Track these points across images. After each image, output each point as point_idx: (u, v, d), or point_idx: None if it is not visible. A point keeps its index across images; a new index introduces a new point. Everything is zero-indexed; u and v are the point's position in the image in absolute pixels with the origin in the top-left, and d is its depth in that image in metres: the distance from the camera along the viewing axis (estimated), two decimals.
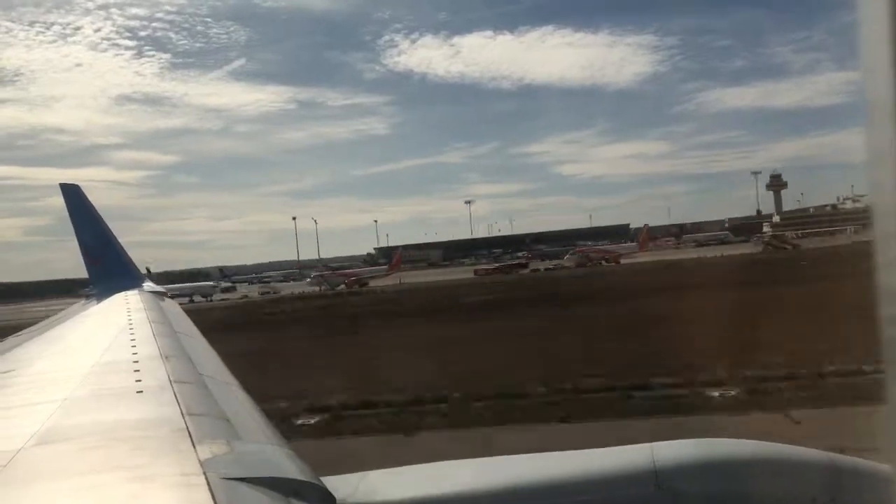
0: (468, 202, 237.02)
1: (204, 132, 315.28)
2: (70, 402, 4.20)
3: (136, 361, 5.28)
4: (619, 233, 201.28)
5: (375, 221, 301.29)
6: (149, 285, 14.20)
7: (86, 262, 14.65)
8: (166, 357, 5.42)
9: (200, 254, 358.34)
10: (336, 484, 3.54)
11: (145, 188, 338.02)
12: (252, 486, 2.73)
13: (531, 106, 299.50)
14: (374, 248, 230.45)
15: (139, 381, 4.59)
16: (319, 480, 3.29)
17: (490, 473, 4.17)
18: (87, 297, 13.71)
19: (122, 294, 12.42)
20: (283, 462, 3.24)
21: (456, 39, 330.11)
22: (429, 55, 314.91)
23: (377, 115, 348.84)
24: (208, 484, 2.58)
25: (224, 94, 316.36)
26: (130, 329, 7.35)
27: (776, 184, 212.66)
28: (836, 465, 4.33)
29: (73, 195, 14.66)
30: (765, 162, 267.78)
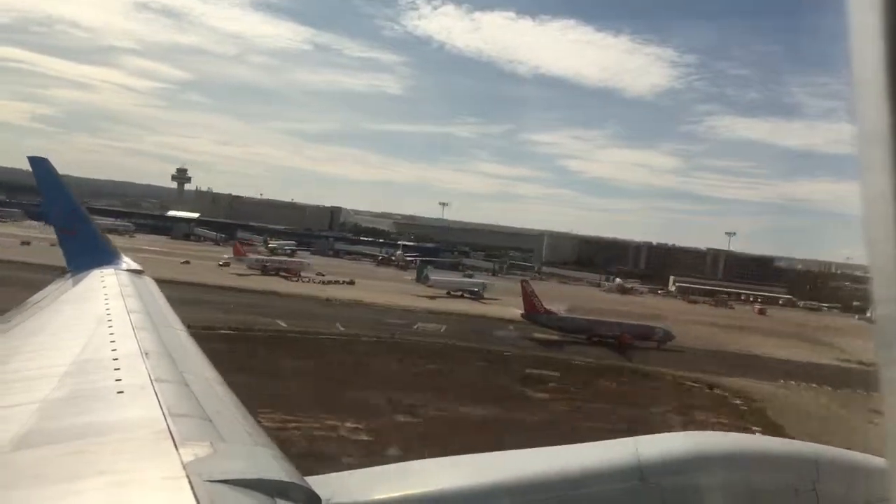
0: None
1: (218, 55, 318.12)
2: (48, 403, 4.08)
3: (116, 359, 5.11)
4: None
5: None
6: (126, 262, 13.63)
7: (58, 237, 14.11)
8: (146, 354, 5.27)
9: (200, 175, 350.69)
10: (320, 483, 3.52)
11: (154, 98, 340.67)
12: (236, 489, 2.72)
13: (545, 95, 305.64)
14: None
15: (119, 380, 4.47)
16: (304, 480, 3.27)
17: (474, 471, 4.12)
18: (63, 273, 13.07)
19: (98, 272, 11.94)
20: (268, 463, 3.19)
21: (477, 15, 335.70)
22: (449, 25, 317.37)
23: (392, 74, 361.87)
24: (192, 487, 2.56)
25: (242, 21, 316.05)
26: (108, 320, 7.09)
27: (181, 177, 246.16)
28: (816, 455, 4.50)
29: (41, 168, 13.75)
30: (770, 196, 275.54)
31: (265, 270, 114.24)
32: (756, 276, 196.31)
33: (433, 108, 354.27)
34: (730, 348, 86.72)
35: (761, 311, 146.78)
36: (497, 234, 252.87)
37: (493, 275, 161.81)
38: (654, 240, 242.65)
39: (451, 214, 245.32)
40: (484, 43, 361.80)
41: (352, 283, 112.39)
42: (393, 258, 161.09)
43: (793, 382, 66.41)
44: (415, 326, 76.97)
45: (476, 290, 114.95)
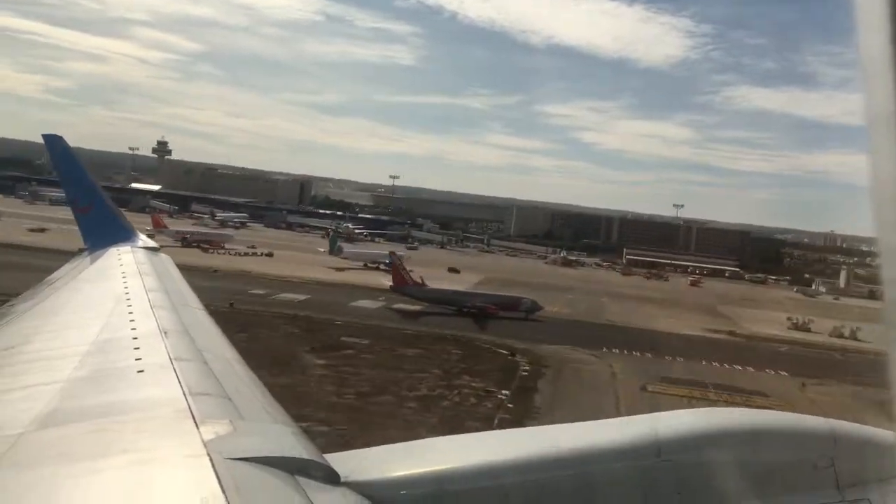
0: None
1: (231, 27, 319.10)
2: (70, 383, 4.16)
3: (136, 338, 5.22)
4: None
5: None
6: (142, 239, 13.75)
7: (74, 214, 14.06)
8: (166, 332, 5.37)
9: (212, 147, 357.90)
10: (339, 461, 3.55)
11: (167, 70, 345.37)
12: (257, 466, 2.78)
13: (558, 66, 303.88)
14: None
15: (139, 359, 4.55)
16: (323, 458, 3.34)
17: (492, 447, 4.20)
18: (81, 251, 13.25)
19: (115, 250, 12.04)
20: (287, 440, 3.29)
21: None
22: None
23: (405, 45, 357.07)
24: (213, 465, 2.62)
25: None
26: (127, 299, 7.19)
27: (161, 149, 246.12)
28: (834, 431, 4.50)
29: (56, 146, 13.72)
30: (785, 168, 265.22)
31: (185, 242, 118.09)
32: (729, 249, 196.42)
33: (446, 80, 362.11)
34: (603, 319, 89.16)
35: (693, 283, 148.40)
36: (471, 207, 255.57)
37: (441, 247, 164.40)
38: (668, 212, 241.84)
39: (462, 187, 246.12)
40: (496, 12, 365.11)
41: (270, 255, 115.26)
42: (340, 231, 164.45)
43: (616, 351, 68.87)
44: (274, 297, 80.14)
45: (390, 262, 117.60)
